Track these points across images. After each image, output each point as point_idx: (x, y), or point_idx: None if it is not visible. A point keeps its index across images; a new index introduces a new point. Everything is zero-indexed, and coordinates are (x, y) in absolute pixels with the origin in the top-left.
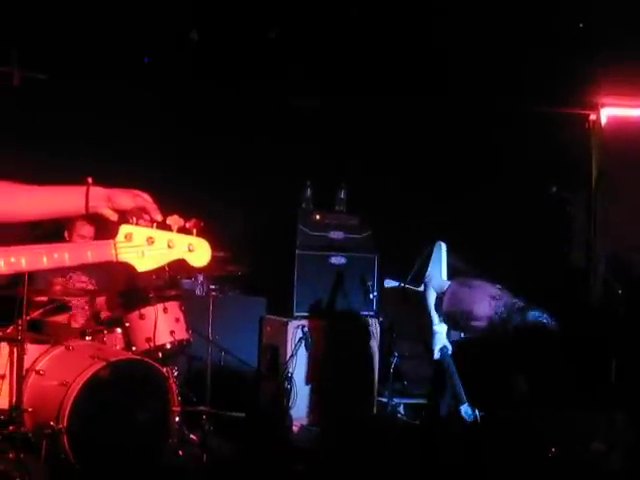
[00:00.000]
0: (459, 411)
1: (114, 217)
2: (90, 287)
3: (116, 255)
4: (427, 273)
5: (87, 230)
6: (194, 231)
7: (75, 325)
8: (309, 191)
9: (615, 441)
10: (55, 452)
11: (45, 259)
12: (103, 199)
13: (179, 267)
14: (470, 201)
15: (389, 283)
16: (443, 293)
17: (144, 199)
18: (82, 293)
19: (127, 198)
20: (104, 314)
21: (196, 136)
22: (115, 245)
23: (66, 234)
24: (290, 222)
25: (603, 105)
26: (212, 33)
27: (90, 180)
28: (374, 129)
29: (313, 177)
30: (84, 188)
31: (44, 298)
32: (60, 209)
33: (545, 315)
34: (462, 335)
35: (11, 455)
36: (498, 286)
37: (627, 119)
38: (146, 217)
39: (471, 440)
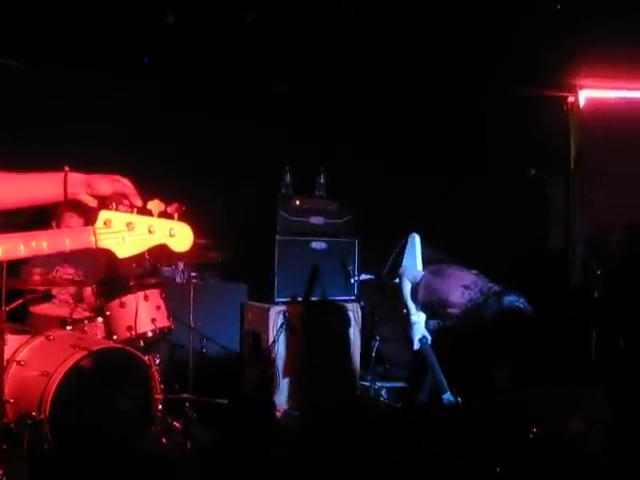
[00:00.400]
0: (441, 399)
1: (93, 203)
2: (77, 279)
3: (96, 242)
4: (402, 265)
5: (75, 221)
6: (175, 215)
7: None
8: (288, 176)
9: (594, 420)
10: (37, 442)
11: (22, 247)
12: (82, 185)
13: (159, 254)
14: (449, 183)
15: (364, 277)
16: (418, 284)
17: (123, 184)
18: (62, 282)
19: (106, 184)
20: (89, 304)
21: (175, 122)
22: (94, 231)
23: (54, 225)
24: (270, 208)
25: (581, 87)
26: (191, 16)
27: (67, 168)
28: (353, 114)
29: (292, 162)
30: (62, 174)
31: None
32: (39, 196)
33: (521, 300)
34: (440, 323)
35: None
36: (473, 272)
37: (605, 101)
38: (126, 202)
39: (451, 423)
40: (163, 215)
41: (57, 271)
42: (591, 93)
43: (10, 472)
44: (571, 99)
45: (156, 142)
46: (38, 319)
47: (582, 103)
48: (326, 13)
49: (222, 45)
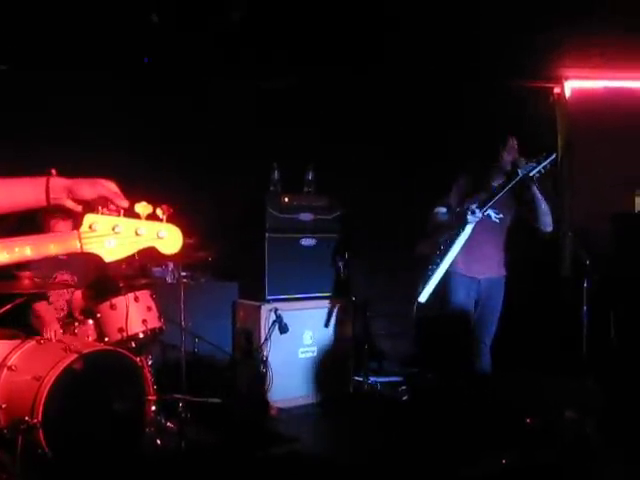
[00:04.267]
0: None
1: (78, 208)
2: (71, 284)
3: (81, 246)
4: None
5: (62, 226)
6: (164, 217)
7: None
8: (277, 173)
9: (588, 408)
10: (31, 447)
11: (6, 253)
12: (64, 190)
13: (149, 255)
14: (437, 175)
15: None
16: None
17: (107, 188)
18: (49, 286)
19: (89, 188)
20: (81, 306)
21: (162, 121)
22: (79, 236)
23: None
24: (259, 205)
25: (567, 78)
26: (178, 15)
27: (54, 172)
28: (339, 107)
29: (280, 159)
30: (44, 180)
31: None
32: (21, 202)
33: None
34: None
35: None
36: None
37: (591, 91)
38: (112, 206)
39: (449, 412)
40: (151, 217)
41: (56, 278)
42: (577, 84)
43: (4, 478)
44: (557, 90)
45: (142, 143)
46: (37, 318)
47: (568, 94)
48: (312, 9)
49: (208, 40)
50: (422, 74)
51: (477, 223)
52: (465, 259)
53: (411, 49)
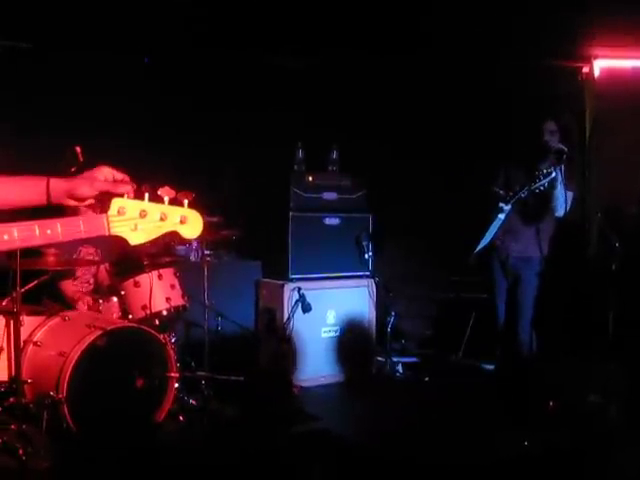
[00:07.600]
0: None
1: (81, 204)
2: (97, 259)
3: (109, 229)
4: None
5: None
6: (185, 202)
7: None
8: (301, 153)
9: (611, 392)
10: (56, 422)
11: (38, 235)
12: (63, 192)
13: (172, 234)
14: (462, 156)
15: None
16: None
17: (105, 182)
18: (79, 263)
19: (87, 187)
20: (106, 283)
21: (187, 101)
22: (108, 219)
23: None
24: (283, 184)
25: (596, 57)
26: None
27: (78, 149)
28: (364, 87)
29: (304, 139)
30: (45, 181)
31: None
32: (24, 200)
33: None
34: None
35: (13, 426)
36: None
37: (620, 70)
38: (125, 189)
39: (471, 393)
40: (174, 202)
41: (80, 252)
42: (606, 63)
43: (30, 452)
44: (586, 69)
45: (168, 124)
46: (65, 297)
47: (597, 73)
48: None
49: (229, 24)
50: (450, 55)
51: (515, 204)
52: (502, 237)
53: (439, 31)
